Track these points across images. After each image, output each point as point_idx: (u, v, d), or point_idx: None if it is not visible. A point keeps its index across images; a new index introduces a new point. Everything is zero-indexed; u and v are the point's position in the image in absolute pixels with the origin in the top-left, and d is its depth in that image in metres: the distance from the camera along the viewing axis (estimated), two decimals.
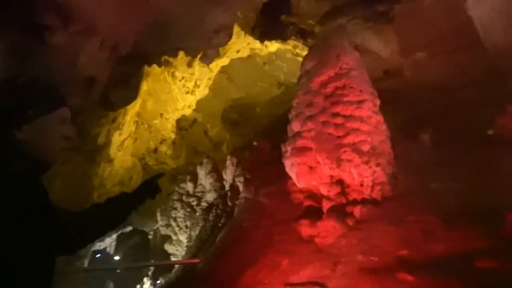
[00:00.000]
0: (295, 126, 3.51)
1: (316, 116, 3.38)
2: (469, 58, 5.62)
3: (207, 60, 5.58)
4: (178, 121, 10.40)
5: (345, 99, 3.33)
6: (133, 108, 8.30)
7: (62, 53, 4.28)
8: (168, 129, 10.07)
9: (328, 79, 3.44)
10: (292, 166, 3.48)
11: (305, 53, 8.66)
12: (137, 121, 9.44)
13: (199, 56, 5.86)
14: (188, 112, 9.99)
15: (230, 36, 5.63)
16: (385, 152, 3.35)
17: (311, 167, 3.39)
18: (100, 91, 5.23)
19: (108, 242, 10.75)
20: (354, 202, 3.24)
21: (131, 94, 6.54)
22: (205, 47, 5.50)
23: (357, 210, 3.14)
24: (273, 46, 9.21)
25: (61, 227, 1.23)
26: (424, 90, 6.14)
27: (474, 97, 5.62)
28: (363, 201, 3.20)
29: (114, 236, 10.55)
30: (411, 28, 6.02)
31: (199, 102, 10.37)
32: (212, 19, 5.51)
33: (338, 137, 3.29)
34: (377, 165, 3.21)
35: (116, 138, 8.38)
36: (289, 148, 3.51)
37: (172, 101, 9.57)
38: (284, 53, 10.12)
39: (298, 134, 3.45)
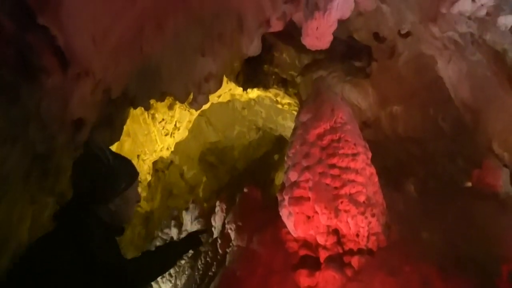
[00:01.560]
0: (292, 176, 3.61)
1: (313, 166, 3.51)
2: (441, 112, 6.10)
3: (196, 105, 5.67)
4: (154, 163, 10.27)
5: (341, 151, 3.50)
6: (111, 148, 8.14)
7: (56, 94, 4.23)
8: (145, 170, 9.88)
9: (324, 132, 3.62)
10: (289, 215, 3.55)
11: (286, 101, 9.06)
12: None
13: (188, 101, 5.95)
14: (166, 154, 9.91)
15: (220, 84, 5.80)
16: (378, 202, 3.50)
17: (308, 217, 3.47)
18: (87, 133, 5.15)
19: None
20: (351, 252, 3.31)
21: (115, 135, 6.45)
22: (195, 93, 5.62)
23: (355, 260, 3.21)
24: (253, 93, 9.52)
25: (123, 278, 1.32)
26: (401, 141, 6.54)
27: (447, 149, 6.05)
28: (360, 251, 3.29)
29: None
30: (388, 83, 6.49)
31: (176, 144, 10.36)
32: (202, 67, 5.69)
33: (335, 187, 3.41)
34: (373, 215, 3.34)
35: None
36: (286, 197, 3.58)
37: (151, 143, 9.50)
38: (263, 99, 10.47)
39: (295, 184, 3.54)
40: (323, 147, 3.58)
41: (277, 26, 4.77)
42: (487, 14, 4.44)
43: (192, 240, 1.84)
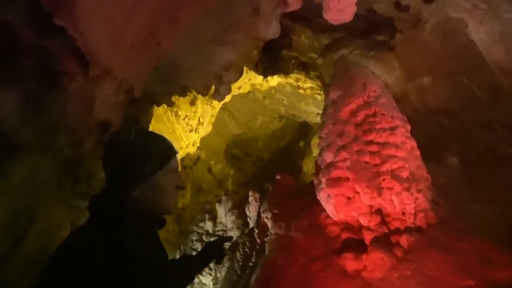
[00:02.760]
0: (327, 157, 3.45)
1: (349, 145, 3.34)
2: (474, 79, 5.75)
3: (219, 97, 5.58)
4: (182, 159, 10.31)
5: (378, 126, 3.31)
6: None
7: (79, 98, 4.22)
8: None
9: (357, 108, 3.43)
10: (328, 198, 3.39)
11: (308, 85, 8.84)
12: None
13: (211, 93, 5.87)
14: (192, 150, 9.93)
15: (241, 73, 5.68)
16: (423, 177, 3.30)
17: (349, 198, 3.31)
18: None
19: None
20: (398, 231, 3.13)
21: None
22: (217, 84, 5.52)
23: (403, 240, 3.04)
24: (274, 80, 9.37)
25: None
26: (432, 114, 6.23)
27: (483, 117, 5.71)
28: (408, 230, 3.10)
29: None
30: (414, 54, 6.17)
31: (201, 140, 10.37)
32: (220, 58, 5.58)
33: (375, 165, 3.24)
34: (419, 191, 3.15)
35: None
36: (323, 180, 3.43)
37: (176, 140, 9.52)
38: (284, 86, 10.30)
39: (332, 165, 3.38)
40: (358, 124, 3.40)
41: (295, 4, 4.58)
42: None
43: (213, 250, 1.64)
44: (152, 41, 4.64)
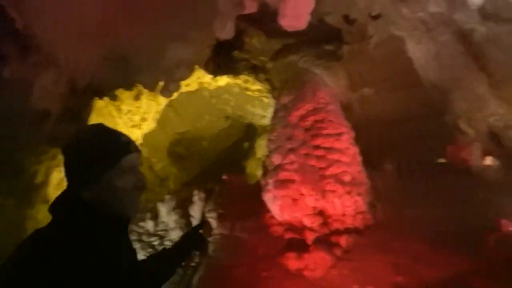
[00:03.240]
0: (276, 159, 3.53)
1: (297, 148, 3.45)
2: (410, 94, 6.23)
3: (167, 93, 5.47)
4: None
5: (325, 132, 3.47)
6: None
7: (16, 85, 3.87)
8: None
9: (306, 113, 3.56)
10: (274, 199, 3.47)
11: (256, 87, 8.95)
12: None
13: (158, 89, 5.72)
14: None
15: (191, 71, 5.61)
16: (363, 182, 3.51)
17: (294, 199, 3.42)
18: (52, 126, 4.81)
19: None
20: (338, 232, 3.30)
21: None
22: (166, 80, 5.40)
23: (343, 240, 3.21)
24: (222, 80, 9.33)
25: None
26: (372, 124, 6.63)
27: (417, 129, 6.20)
28: (347, 231, 3.28)
29: None
30: (359, 66, 6.54)
31: (144, 136, 10.02)
32: (172, 54, 5.47)
33: (321, 168, 3.38)
34: (358, 194, 3.34)
35: (55, 176, 7.70)
36: (270, 181, 3.50)
37: None
38: (232, 87, 10.30)
39: (280, 167, 3.47)
40: (307, 128, 3.53)
41: (251, 7, 4.64)
42: None
43: (192, 240, 1.56)
44: (104, 32, 4.42)
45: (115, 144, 1.14)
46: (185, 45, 5.44)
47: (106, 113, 8.92)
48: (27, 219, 7.59)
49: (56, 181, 7.98)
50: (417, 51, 5.83)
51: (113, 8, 4.55)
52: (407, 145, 6.36)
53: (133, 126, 9.37)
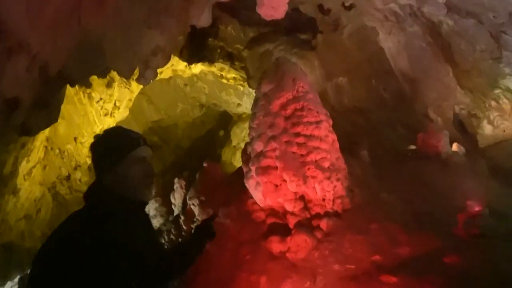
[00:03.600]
0: (258, 146, 3.62)
1: (279, 136, 3.55)
2: (382, 83, 6.48)
3: (144, 81, 5.38)
4: None
5: (305, 120, 3.57)
6: (43, 132, 7.51)
7: None
8: (84, 154, 9.25)
9: (287, 102, 3.65)
10: (257, 185, 3.57)
11: (231, 75, 8.95)
12: (46, 147, 8.51)
13: (134, 77, 5.62)
14: None
15: (168, 58, 5.55)
16: (341, 168, 3.66)
17: (276, 185, 3.53)
18: (23, 115, 4.64)
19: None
20: (319, 216, 3.45)
21: (51, 117, 5.91)
22: (142, 68, 5.32)
23: (323, 223, 3.36)
24: (196, 68, 9.26)
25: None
26: (346, 111, 6.86)
27: (388, 117, 6.47)
28: (327, 214, 3.43)
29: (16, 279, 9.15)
30: (333, 55, 6.71)
31: (117, 125, 9.82)
32: (148, 41, 5.38)
33: (302, 155, 3.50)
34: (337, 179, 3.50)
35: (23, 166, 7.45)
36: (253, 168, 3.59)
37: (89, 124, 8.88)
38: (206, 75, 10.24)
39: (262, 154, 3.56)
40: (287, 117, 3.63)
41: None
42: None
43: (204, 231, 1.78)
44: (77, 18, 4.28)
45: (126, 139, 1.37)
46: (162, 33, 5.36)
47: (76, 100, 8.67)
48: None
49: (25, 171, 7.72)
50: (388, 41, 6.06)
51: None
52: (380, 132, 6.64)
53: (105, 115, 9.16)
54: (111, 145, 1.34)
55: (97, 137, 1.37)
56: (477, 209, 3.27)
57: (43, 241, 1.21)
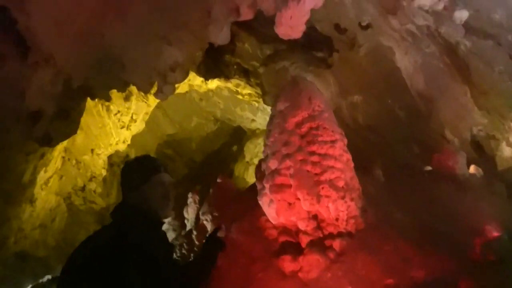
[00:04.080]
0: (272, 164, 3.63)
1: (293, 154, 3.55)
2: (397, 101, 6.46)
3: (162, 96, 5.50)
4: (110, 157, 9.82)
5: (320, 139, 3.57)
6: (62, 143, 7.69)
7: (11, 83, 3.86)
8: (99, 165, 9.43)
9: (302, 120, 3.66)
10: (271, 203, 3.56)
11: (246, 91, 9.05)
12: (63, 157, 8.69)
13: (152, 91, 5.76)
14: (122, 147, 9.52)
15: (186, 74, 5.67)
16: (355, 187, 3.63)
17: (290, 203, 3.51)
18: (46, 126, 4.80)
19: None
20: (332, 236, 3.41)
21: (71, 128, 6.09)
22: (160, 83, 5.45)
23: (336, 243, 3.32)
24: (213, 83, 9.41)
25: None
26: (361, 129, 6.84)
27: (403, 136, 6.43)
28: (340, 234, 3.39)
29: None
30: (348, 73, 6.74)
31: (132, 137, 10.00)
32: (167, 56, 5.52)
33: (316, 174, 3.48)
34: (351, 199, 3.46)
35: (41, 176, 7.62)
36: (267, 185, 3.59)
37: (106, 136, 9.07)
38: (221, 90, 10.37)
39: (276, 172, 3.56)
40: (302, 135, 3.63)
41: (247, 14, 4.74)
42: (444, 8, 4.75)
43: (214, 244, 2.05)
44: (99, 32, 4.45)
45: (150, 165, 1.67)
46: (180, 48, 5.50)
47: (95, 112, 8.87)
48: (12, 218, 7.49)
49: (43, 181, 7.88)
50: (405, 60, 6.06)
51: (109, 9, 4.59)
52: (395, 150, 6.59)
53: (122, 127, 9.34)
54: (138, 170, 1.62)
55: (128, 162, 1.69)
56: (495, 233, 3.20)
57: (60, 251, 1.39)
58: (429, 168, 4.90)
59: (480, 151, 5.72)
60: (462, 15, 4.56)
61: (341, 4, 5.98)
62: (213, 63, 7.90)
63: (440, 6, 4.71)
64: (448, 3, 4.63)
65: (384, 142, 6.54)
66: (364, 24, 6.11)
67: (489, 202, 3.80)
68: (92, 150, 9.08)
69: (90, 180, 9.47)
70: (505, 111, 5.46)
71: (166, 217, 1.69)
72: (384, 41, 6.02)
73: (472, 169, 4.79)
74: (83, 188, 9.45)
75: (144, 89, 5.61)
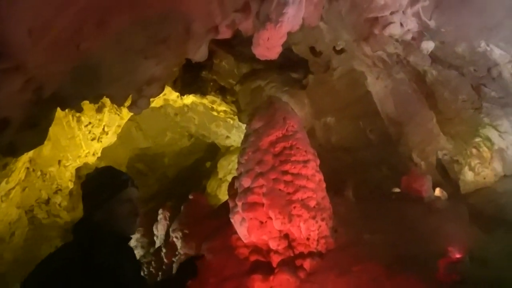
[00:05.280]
0: (245, 182, 3.65)
1: (267, 173, 3.59)
2: (369, 124, 6.66)
3: (136, 110, 5.42)
4: (78, 169, 9.51)
5: (293, 158, 3.64)
6: (27, 153, 7.40)
7: None
8: (66, 177, 9.09)
9: (276, 139, 3.73)
10: (242, 221, 3.57)
11: (222, 108, 9.09)
12: (28, 168, 8.34)
13: (126, 104, 5.67)
14: (91, 160, 9.25)
15: (162, 89, 5.64)
16: (326, 207, 3.70)
17: (262, 222, 3.53)
18: (11, 135, 4.60)
19: None
20: (302, 255, 3.44)
21: (39, 138, 5.85)
22: (135, 96, 5.38)
23: (307, 263, 3.35)
24: (188, 99, 9.39)
25: None
26: (333, 150, 6.98)
27: (374, 158, 6.61)
28: (311, 254, 3.43)
29: None
30: (322, 95, 6.92)
31: (103, 150, 9.75)
32: (144, 70, 5.48)
33: (288, 193, 3.53)
34: (322, 219, 3.52)
35: (2, 187, 7.26)
36: (239, 203, 3.60)
37: (75, 148, 8.78)
38: (197, 106, 10.36)
39: (249, 190, 3.58)
40: (276, 154, 3.69)
41: (225, 33, 4.81)
42: (412, 38, 5.00)
43: (188, 269, 1.97)
44: (75, 42, 4.37)
45: (118, 179, 1.57)
46: (158, 63, 5.48)
47: (64, 123, 8.60)
48: None
49: (3, 192, 7.52)
50: (376, 85, 6.30)
51: (88, 19, 4.52)
52: (366, 172, 6.75)
53: (92, 139, 9.09)
54: (104, 184, 1.52)
55: (90, 176, 1.57)
56: (458, 255, 3.32)
57: (18, 267, 1.33)
58: (397, 189, 5.04)
59: (445, 174, 5.96)
60: (428, 45, 4.81)
61: (317, 28, 6.19)
62: (190, 78, 7.91)
63: (409, 36, 4.96)
64: (416, 34, 4.89)
65: (356, 163, 6.69)
66: (338, 48, 6.33)
67: (452, 224, 3.96)
68: (59, 162, 8.76)
69: (56, 192, 9.10)
70: (468, 137, 5.75)
71: (133, 234, 1.62)
72: (357, 66, 6.25)
73: (437, 192, 4.97)
74: (47, 201, 9.06)
75: (118, 102, 5.51)
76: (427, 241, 3.52)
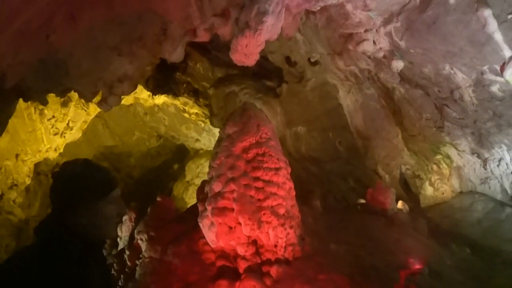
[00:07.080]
0: (216, 187, 3.62)
1: (238, 178, 3.58)
2: (337, 137, 6.84)
3: (106, 106, 5.27)
4: (37, 164, 9.08)
5: (265, 165, 3.66)
6: None
7: None
8: (24, 172, 8.65)
9: (249, 146, 3.73)
10: (211, 226, 3.53)
11: (194, 110, 9.00)
12: None
13: (95, 101, 5.51)
14: (53, 155, 8.86)
15: (134, 87, 5.53)
16: (295, 215, 3.74)
17: (230, 227, 3.51)
18: None
19: None
20: (269, 262, 3.45)
21: None
22: (106, 93, 5.24)
23: (273, 270, 3.36)
24: (160, 99, 9.25)
25: None
26: (303, 160, 7.09)
27: (341, 169, 6.78)
28: (278, 261, 3.45)
29: None
30: (295, 104, 7.03)
31: (66, 146, 9.37)
32: (116, 68, 5.36)
33: (259, 199, 3.54)
34: (291, 227, 3.55)
35: None
36: (209, 208, 3.56)
37: (35, 141, 8.39)
38: (168, 106, 10.22)
39: (220, 195, 3.56)
40: (248, 160, 3.69)
41: (203, 37, 4.80)
42: (384, 56, 5.21)
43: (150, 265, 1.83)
44: (44, 33, 4.21)
45: (106, 179, 1.42)
46: (131, 62, 5.38)
47: (25, 115, 8.21)
48: None
49: None
50: (347, 99, 6.49)
51: (58, 10, 4.38)
52: (333, 183, 6.91)
53: (55, 134, 8.73)
54: (90, 183, 1.38)
55: (69, 171, 1.41)
56: (417, 266, 3.46)
57: None
58: (362, 200, 5.20)
59: (407, 188, 6.21)
60: (398, 64, 5.03)
61: (294, 39, 6.31)
62: (163, 79, 7.80)
63: (381, 54, 5.16)
64: (388, 52, 5.09)
65: (324, 174, 6.84)
66: (313, 60, 6.49)
67: (412, 236, 4.13)
68: (17, 156, 8.33)
69: (11, 188, 8.63)
70: (429, 154, 6.03)
71: (111, 237, 1.53)
72: (330, 79, 6.42)
73: (400, 204, 5.18)
74: (0, 197, 8.58)
75: (87, 98, 5.36)
76: (389, 252, 3.65)
